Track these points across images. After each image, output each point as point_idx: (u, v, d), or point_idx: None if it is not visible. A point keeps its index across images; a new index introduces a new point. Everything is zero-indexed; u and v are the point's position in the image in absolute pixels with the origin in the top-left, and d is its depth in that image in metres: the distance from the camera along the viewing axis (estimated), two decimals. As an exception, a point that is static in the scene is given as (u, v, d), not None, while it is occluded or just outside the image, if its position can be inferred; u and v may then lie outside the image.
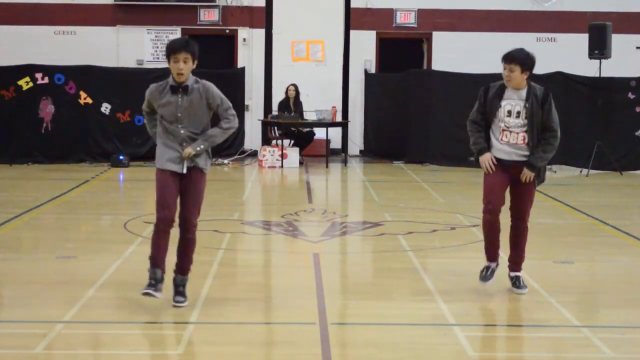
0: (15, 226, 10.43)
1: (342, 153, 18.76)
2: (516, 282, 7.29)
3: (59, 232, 10.34)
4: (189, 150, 6.63)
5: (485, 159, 7.17)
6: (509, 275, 7.37)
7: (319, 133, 18.14)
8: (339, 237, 10.10)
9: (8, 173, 15.66)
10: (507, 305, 6.96)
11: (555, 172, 16.65)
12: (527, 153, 7.11)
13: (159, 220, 6.64)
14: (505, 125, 7.13)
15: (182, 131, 6.65)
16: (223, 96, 6.82)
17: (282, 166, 17.01)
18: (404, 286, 7.71)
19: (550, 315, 6.73)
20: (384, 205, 12.44)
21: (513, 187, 7.27)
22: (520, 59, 7.16)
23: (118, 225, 10.50)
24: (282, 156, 17.07)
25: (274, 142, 17.88)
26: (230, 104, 6.86)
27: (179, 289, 6.79)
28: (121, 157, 16.75)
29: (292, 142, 17.96)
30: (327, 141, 17.92)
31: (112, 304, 6.98)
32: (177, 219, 6.76)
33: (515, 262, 7.36)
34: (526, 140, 7.08)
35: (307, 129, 17.98)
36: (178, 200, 6.74)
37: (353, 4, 19.69)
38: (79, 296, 7.04)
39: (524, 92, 7.17)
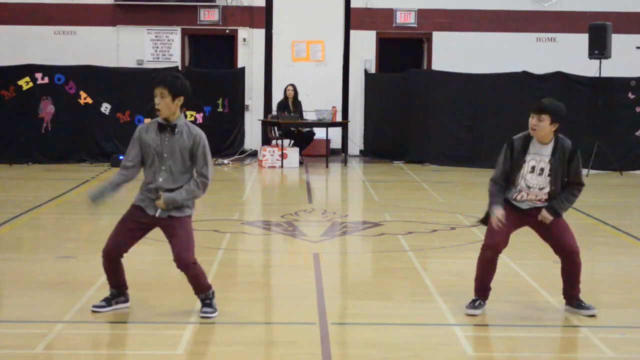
0: (15, 226, 10.43)
1: (342, 153, 18.76)
2: (582, 305, 6.76)
3: (59, 232, 10.34)
4: (161, 203, 6.38)
5: (497, 216, 6.57)
6: (571, 304, 6.81)
7: (319, 133, 18.15)
8: (339, 237, 10.10)
9: (8, 173, 15.66)
10: (507, 306, 6.95)
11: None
12: (546, 203, 6.65)
13: (103, 254, 6.54)
14: (525, 184, 6.60)
15: (159, 180, 6.38)
16: (208, 153, 6.46)
17: (282, 166, 17.01)
18: (404, 286, 7.71)
19: (550, 315, 6.73)
20: (384, 205, 12.44)
21: (539, 229, 6.75)
22: (551, 108, 6.55)
23: (118, 225, 10.49)
24: (282, 156, 17.07)
25: (274, 142, 17.88)
26: (210, 168, 6.47)
27: (205, 302, 6.60)
28: (121, 157, 16.68)
29: (292, 142, 17.96)
30: (327, 141, 17.93)
31: (112, 304, 6.97)
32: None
33: (573, 295, 6.79)
34: (544, 199, 6.62)
35: (307, 129, 17.98)
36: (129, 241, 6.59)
37: (353, 4, 19.69)
38: (79, 296, 7.04)
39: (550, 147, 6.59)
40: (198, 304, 6.85)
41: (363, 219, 11.37)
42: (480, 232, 10.18)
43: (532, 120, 6.56)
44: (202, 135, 6.43)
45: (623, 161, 16.85)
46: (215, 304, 6.60)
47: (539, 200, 6.63)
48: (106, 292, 7.25)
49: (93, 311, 6.61)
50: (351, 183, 16.09)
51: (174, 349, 5.85)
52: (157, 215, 6.46)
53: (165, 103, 6.30)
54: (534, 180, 6.59)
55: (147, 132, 6.45)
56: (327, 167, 17.34)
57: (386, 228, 10.52)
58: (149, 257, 8.81)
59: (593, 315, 6.65)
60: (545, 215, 6.60)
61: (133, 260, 8.49)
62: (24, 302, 6.94)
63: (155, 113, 6.38)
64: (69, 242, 9.54)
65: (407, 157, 18.21)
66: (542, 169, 6.57)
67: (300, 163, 17.38)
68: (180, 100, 6.34)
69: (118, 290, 6.70)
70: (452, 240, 9.87)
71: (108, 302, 6.70)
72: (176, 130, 6.37)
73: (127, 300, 6.76)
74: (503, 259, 7.55)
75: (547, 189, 6.59)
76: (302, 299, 7.11)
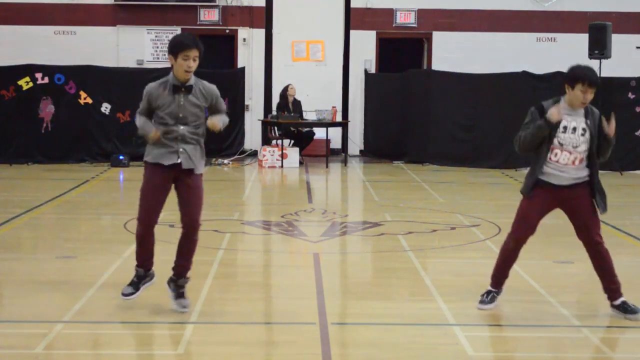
0: (15, 226, 10.43)
1: (342, 153, 18.76)
2: (626, 307, 6.69)
3: (59, 232, 10.34)
4: (216, 123, 6.57)
5: (551, 110, 6.46)
6: (613, 304, 6.74)
7: (319, 133, 18.15)
8: (338, 237, 10.10)
9: (8, 173, 15.67)
10: (507, 305, 6.95)
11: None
12: (580, 174, 6.54)
13: (140, 223, 6.53)
14: (558, 142, 6.50)
15: (181, 128, 6.50)
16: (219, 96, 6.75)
17: (282, 166, 17.01)
18: (404, 286, 7.71)
19: (550, 315, 6.73)
20: (384, 205, 12.44)
21: (571, 214, 6.67)
22: (599, 84, 6.66)
23: (118, 225, 10.50)
24: (282, 156, 17.07)
25: (274, 142, 17.88)
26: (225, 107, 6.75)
27: (180, 291, 6.64)
28: (121, 157, 16.76)
29: (292, 142, 17.96)
30: (327, 141, 17.93)
31: (112, 304, 6.96)
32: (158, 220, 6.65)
33: (612, 289, 6.75)
34: (579, 162, 6.52)
35: (307, 129, 17.99)
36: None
37: (353, 4, 19.69)
38: (79, 296, 7.04)
39: (581, 111, 6.63)
40: (198, 303, 6.85)
41: (363, 219, 11.37)
42: (481, 232, 10.20)
43: (587, 95, 6.58)
44: (215, 89, 6.69)
45: (623, 161, 16.84)
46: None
47: (573, 163, 6.51)
48: (106, 292, 7.27)
49: (124, 299, 6.62)
50: (351, 183, 16.09)
51: (174, 349, 5.85)
52: (182, 165, 6.47)
53: (196, 65, 6.50)
54: (568, 138, 6.51)
55: (158, 93, 6.55)
56: (327, 167, 17.34)
57: (386, 228, 10.52)
58: (149, 257, 8.80)
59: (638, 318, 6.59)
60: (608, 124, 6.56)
61: (133, 260, 8.50)
62: (24, 302, 6.94)
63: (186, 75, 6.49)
64: (69, 242, 9.54)
65: (407, 157, 18.21)
66: (574, 128, 6.53)
67: (300, 163, 17.38)
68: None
69: (144, 269, 6.66)
70: (452, 240, 9.87)
71: (135, 286, 6.67)
72: (193, 90, 6.53)
73: (152, 278, 6.73)
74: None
75: (582, 148, 6.51)
76: (302, 299, 7.11)
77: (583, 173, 6.54)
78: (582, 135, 6.53)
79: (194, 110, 6.56)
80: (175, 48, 6.48)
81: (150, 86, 6.64)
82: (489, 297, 6.82)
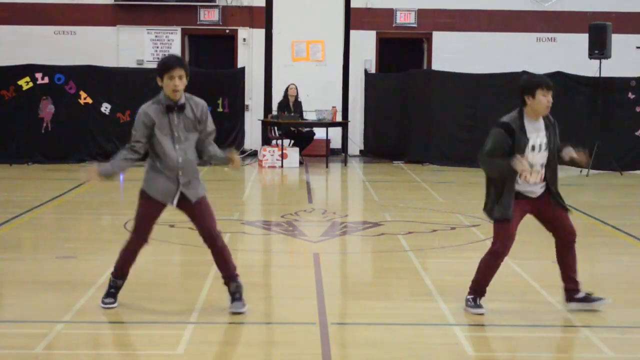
0: (15, 226, 10.43)
1: (342, 153, 18.77)
2: (590, 297, 6.80)
3: (59, 232, 10.34)
4: (237, 158, 6.72)
5: (518, 160, 6.33)
6: (576, 298, 6.80)
7: (319, 133, 18.15)
8: (339, 237, 10.10)
9: (8, 173, 15.66)
10: (507, 305, 6.95)
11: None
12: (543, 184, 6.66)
13: (132, 241, 6.63)
14: (533, 162, 6.49)
15: (179, 156, 6.53)
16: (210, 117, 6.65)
17: (282, 166, 17.01)
18: (404, 286, 7.71)
19: (550, 315, 6.72)
20: (384, 205, 12.44)
21: (540, 216, 6.75)
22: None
23: (118, 225, 10.50)
24: (282, 156, 17.07)
25: (274, 142, 17.88)
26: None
27: (236, 296, 6.65)
28: (121, 158, 16.74)
29: (292, 142, 17.96)
30: (327, 141, 17.93)
31: (112, 304, 6.97)
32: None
33: (575, 289, 6.80)
34: (544, 176, 6.60)
35: (307, 129, 17.99)
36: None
37: (353, 4, 19.69)
38: (79, 296, 7.04)
39: (541, 121, 6.56)
40: (198, 303, 6.85)
41: (363, 219, 11.37)
42: (481, 232, 10.20)
43: (548, 99, 6.48)
44: (203, 102, 6.60)
45: (623, 161, 16.84)
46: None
47: (541, 180, 6.59)
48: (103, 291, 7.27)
49: (105, 307, 6.66)
50: (351, 183, 16.10)
51: (174, 349, 5.85)
52: (173, 204, 6.56)
53: (183, 84, 6.40)
54: (537, 158, 6.52)
55: (153, 115, 6.50)
56: (327, 167, 17.34)
57: (386, 228, 10.52)
58: (149, 257, 8.79)
59: (605, 304, 6.69)
60: (569, 153, 6.65)
61: (133, 260, 8.50)
62: (24, 302, 6.94)
63: (174, 95, 6.39)
64: (69, 242, 9.54)
65: (407, 157, 18.21)
66: (540, 145, 6.53)
67: (300, 163, 17.39)
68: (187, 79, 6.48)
69: (123, 281, 6.75)
70: (452, 240, 9.86)
71: (115, 296, 6.75)
72: (185, 109, 6.46)
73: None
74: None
75: (545, 163, 6.57)
76: (302, 299, 7.11)
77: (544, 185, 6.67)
78: (546, 150, 6.56)
79: (190, 126, 6.52)
80: (161, 70, 6.43)
81: (144, 108, 6.60)
82: (479, 301, 6.75)
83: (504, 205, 6.48)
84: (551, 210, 6.68)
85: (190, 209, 6.58)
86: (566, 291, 6.83)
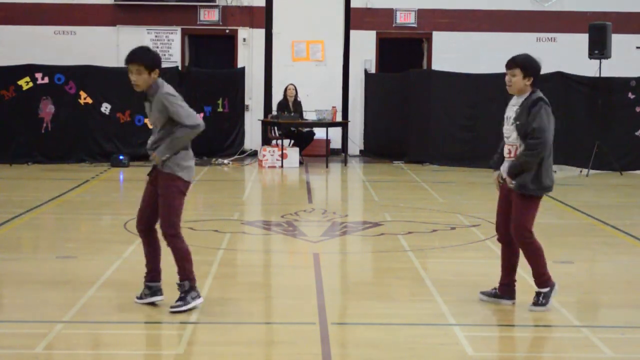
0: (15, 226, 10.43)
1: (342, 153, 18.76)
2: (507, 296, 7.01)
3: (59, 232, 10.34)
4: (155, 156, 6.66)
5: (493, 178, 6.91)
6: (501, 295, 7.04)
7: (319, 133, 18.15)
8: (339, 237, 10.10)
9: (8, 173, 15.66)
10: (507, 305, 6.95)
11: (555, 172, 16.61)
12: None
13: (182, 239, 6.74)
14: (505, 134, 6.82)
15: (150, 139, 6.76)
16: (178, 104, 6.62)
17: (282, 166, 17.01)
18: (404, 286, 7.71)
19: (550, 315, 6.73)
20: (384, 205, 12.44)
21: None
22: (520, 62, 6.83)
23: (118, 225, 10.50)
24: (282, 156, 17.07)
25: (274, 142, 17.88)
26: (185, 113, 6.62)
27: (180, 295, 6.73)
28: (121, 157, 16.76)
29: (292, 142, 17.96)
30: (327, 141, 17.93)
31: (112, 304, 6.98)
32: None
33: (509, 284, 7.02)
34: (511, 153, 6.73)
35: (307, 129, 17.99)
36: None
37: (353, 4, 19.69)
38: (79, 296, 7.04)
39: (522, 98, 6.82)
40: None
41: (363, 219, 11.37)
42: (481, 232, 10.20)
43: (506, 78, 6.89)
44: (165, 93, 6.60)
45: (623, 161, 16.84)
46: (190, 298, 6.64)
47: (509, 154, 6.76)
48: (106, 292, 7.28)
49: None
50: (351, 183, 16.09)
51: (174, 349, 5.85)
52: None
53: (143, 79, 6.61)
54: (505, 129, 6.82)
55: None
56: (327, 167, 17.34)
57: (386, 228, 10.52)
58: (149, 257, 8.80)
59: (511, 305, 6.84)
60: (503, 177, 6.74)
61: (133, 260, 8.52)
62: (24, 302, 6.95)
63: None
64: (69, 242, 9.54)
65: (407, 157, 18.21)
66: (508, 117, 6.81)
67: (300, 163, 17.38)
68: (156, 73, 6.65)
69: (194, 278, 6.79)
70: (452, 240, 9.87)
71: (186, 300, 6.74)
72: (153, 99, 6.61)
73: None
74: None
75: (511, 138, 6.71)
76: (302, 299, 7.11)
77: None
78: (512, 124, 6.77)
79: (156, 117, 6.67)
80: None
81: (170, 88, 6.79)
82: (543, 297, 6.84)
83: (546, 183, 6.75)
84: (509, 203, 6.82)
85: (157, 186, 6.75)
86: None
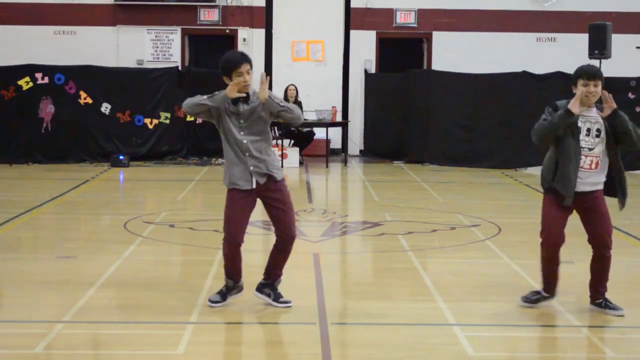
0: (15, 226, 10.43)
1: (342, 153, 18.76)
2: (609, 304, 6.82)
3: (59, 232, 10.34)
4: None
5: (573, 101, 6.43)
6: (597, 303, 6.87)
7: (319, 133, 18.15)
8: (339, 237, 10.10)
9: (8, 173, 15.66)
10: (507, 305, 6.95)
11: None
12: (595, 180, 6.69)
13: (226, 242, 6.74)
14: (583, 146, 6.55)
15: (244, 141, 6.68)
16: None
17: (282, 166, 16.96)
18: (404, 286, 7.71)
19: (550, 316, 6.72)
20: (384, 205, 12.44)
21: (584, 215, 6.75)
22: (602, 74, 6.56)
23: (118, 225, 10.50)
24: (282, 156, 17.07)
25: (274, 142, 17.86)
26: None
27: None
28: (121, 157, 16.75)
29: (292, 142, 17.96)
30: (327, 141, 17.93)
31: (112, 304, 6.98)
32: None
33: (599, 292, 6.87)
34: (595, 165, 6.63)
35: (307, 129, 17.99)
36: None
37: (353, 4, 19.69)
38: (79, 296, 7.04)
39: (594, 110, 6.57)
40: (198, 303, 6.84)
41: (363, 219, 11.37)
42: (481, 232, 10.20)
43: (589, 88, 6.46)
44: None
45: (623, 161, 16.69)
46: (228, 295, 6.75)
47: (588, 175, 6.62)
48: (106, 292, 7.28)
49: (210, 306, 6.70)
50: (351, 183, 16.09)
51: (174, 349, 5.85)
52: (252, 187, 6.65)
53: (251, 79, 6.77)
54: (586, 141, 6.57)
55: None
56: (327, 167, 17.34)
57: (386, 228, 10.52)
58: (149, 257, 8.81)
59: (621, 315, 6.68)
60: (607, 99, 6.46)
61: (133, 260, 8.52)
62: (24, 302, 6.94)
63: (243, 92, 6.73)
64: (69, 242, 9.54)
65: (407, 157, 18.21)
66: (588, 130, 6.56)
67: (300, 163, 17.38)
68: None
69: (233, 280, 6.79)
70: (452, 240, 9.86)
71: (223, 295, 6.80)
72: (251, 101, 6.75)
73: (240, 290, 6.86)
74: (503, 258, 7.56)
75: (597, 150, 6.61)
76: (302, 299, 7.10)
77: (594, 179, 6.73)
78: (596, 137, 6.59)
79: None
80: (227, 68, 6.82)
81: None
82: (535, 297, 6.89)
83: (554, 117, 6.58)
84: (589, 213, 6.77)
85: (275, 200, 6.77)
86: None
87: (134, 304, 6.77)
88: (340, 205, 13.46)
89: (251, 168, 6.64)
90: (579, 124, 6.52)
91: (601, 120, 6.57)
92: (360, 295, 7.43)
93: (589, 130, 6.57)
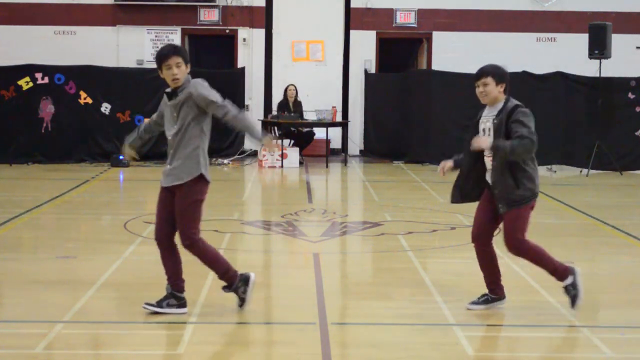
0: (15, 226, 10.43)
1: (342, 153, 18.77)
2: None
3: (59, 232, 10.34)
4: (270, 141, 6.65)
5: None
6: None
7: (319, 133, 18.15)
8: (339, 237, 10.10)
9: (8, 173, 15.66)
10: (507, 305, 6.95)
11: (555, 172, 16.66)
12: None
13: (202, 239, 6.66)
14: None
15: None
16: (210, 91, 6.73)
17: (282, 166, 17.00)
18: (404, 286, 7.71)
19: (550, 316, 6.72)
20: (384, 205, 12.44)
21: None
22: (489, 70, 6.81)
23: (118, 225, 10.50)
24: (282, 156, 17.07)
25: (274, 142, 17.86)
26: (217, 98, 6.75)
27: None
28: (121, 157, 16.73)
29: (292, 142, 17.96)
30: (327, 141, 17.93)
31: (112, 304, 6.98)
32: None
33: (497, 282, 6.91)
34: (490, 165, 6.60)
35: (307, 129, 17.99)
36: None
37: (353, 4, 19.69)
38: (79, 296, 7.04)
39: (497, 108, 6.69)
40: (198, 303, 6.84)
41: (363, 219, 11.37)
42: (480, 232, 10.18)
43: (478, 90, 6.83)
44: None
45: (623, 161, 16.84)
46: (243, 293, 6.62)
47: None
48: (106, 292, 7.28)
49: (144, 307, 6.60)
50: (351, 183, 16.09)
51: (174, 349, 5.85)
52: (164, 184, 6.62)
53: (181, 71, 6.76)
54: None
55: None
56: (327, 167, 17.34)
57: (386, 228, 10.52)
58: (149, 257, 8.80)
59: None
60: (478, 141, 6.58)
61: (133, 260, 8.52)
62: (24, 302, 6.94)
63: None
64: (69, 242, 9.54)
65: (407, 157, 18.21)
66: (484, 130, 6.70)
67: (300, 163, 17.38)
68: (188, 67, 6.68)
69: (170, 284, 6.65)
70: (452, 240, 9.86)
71: (242, 302, 6.68)
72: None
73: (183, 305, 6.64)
74: (503, 258, 7.55)
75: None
76: (302, 299, 7.10)
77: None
78: (489, 135, 6.65)
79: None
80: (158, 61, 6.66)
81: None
82: (481, 299, 6.85)
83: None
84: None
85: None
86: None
87: (134, 304, 6.77)
88: (340, 205, 13.46)
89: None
90: (480, 123, 6.78)
91: (492, 119, 6.69)
92: (360, 295, 7.43)
93: (484, 130, 6.72)
